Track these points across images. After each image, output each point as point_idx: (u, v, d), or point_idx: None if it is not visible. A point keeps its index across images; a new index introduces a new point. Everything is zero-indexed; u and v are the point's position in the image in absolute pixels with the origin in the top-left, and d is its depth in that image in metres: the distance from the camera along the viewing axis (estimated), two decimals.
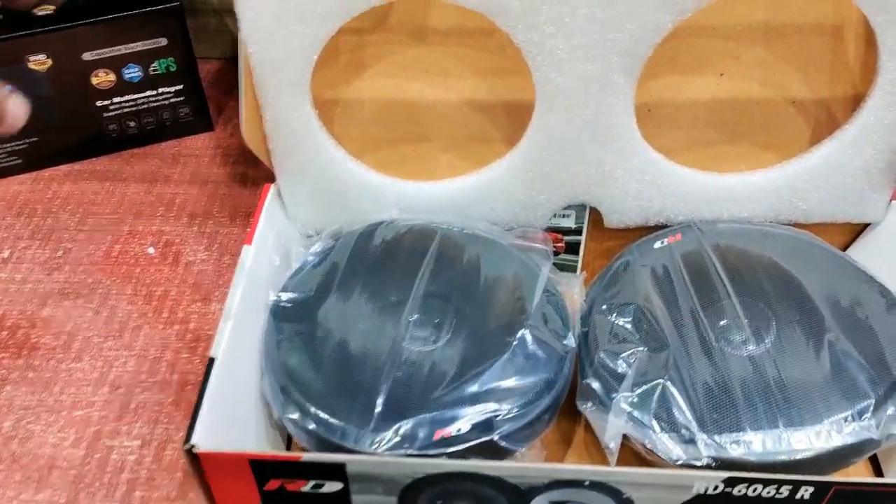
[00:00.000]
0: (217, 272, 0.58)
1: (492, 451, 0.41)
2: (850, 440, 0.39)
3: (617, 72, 0.46)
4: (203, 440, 0.39)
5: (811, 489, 0.37)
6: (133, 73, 0.64)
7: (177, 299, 0.56)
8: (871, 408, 0.40)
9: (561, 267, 0.55)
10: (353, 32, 0.50)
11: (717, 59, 0.52)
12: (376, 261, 0.49)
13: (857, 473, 0.45)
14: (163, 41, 0.63)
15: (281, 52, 0.45)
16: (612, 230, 0.53)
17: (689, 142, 0.53)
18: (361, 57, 0.52)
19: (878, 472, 0.46)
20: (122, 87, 0.64)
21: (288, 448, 0.47)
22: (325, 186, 0.51)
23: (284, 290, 0.48)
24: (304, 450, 0.43)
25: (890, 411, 0.40)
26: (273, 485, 0.40)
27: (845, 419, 0.40)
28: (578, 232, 0.54)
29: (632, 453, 0.43)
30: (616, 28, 0.44)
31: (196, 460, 0.38)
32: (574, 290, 0.48)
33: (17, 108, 0.39)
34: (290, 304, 0.47)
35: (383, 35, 0.51)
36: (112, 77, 0.63)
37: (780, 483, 0.37)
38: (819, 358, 0.42)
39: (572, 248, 0.54)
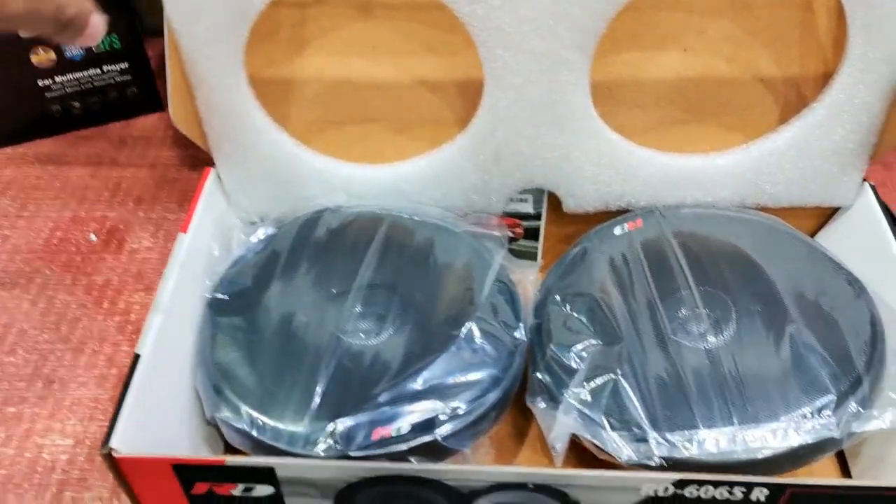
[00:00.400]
0: (162, 260, 0.55)
1: (435, 451, 0.39)
2: (808, 439, 0.37)
3: (569, 48, 0.43)
4: (125, 443, 0.36)
5: (766, 491, 0.35)
6: (74, 50, 0.61)
7: (118, 289, 0.54)
8: (833, 405, 0.38)
9: (520, 254, 0.52)
10: (294, 6, 0.47)
11: (681, 33, 0.49)
12: (320, 249, 0.46)
13: (824, 471, 0.43)
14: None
15: (208, 28, 0.42)
16: (572, 215, 0.50)
17: (652, 122, 0.50)
18: (303, 32, 0.49)
19: (845, 468, 0.44)
20: (64, 65, 0.61)
21: (227, 448, 0.44)
22: (268, 171, 0.48)
23: (222, 280, 0.45)
24: (237, 451, 0.41)
25: (852, 408, 0.38)
26: (201, 488, 0.38)
27: (804, 416, 0.38)
28: (538, 217, 0.51)
29: (585, 451, 0.40)
30: (566, 1, 0.41)
31: (116, 465, 0.36)
32: (528, 279, 0.46)
33: (101, 22, 0.39)
34: (227, 297, 0.45)
35: (327, 9, 0.48)
36: (52, 55, 0.60)
37: (733, 484, 0.35)
38: (779, 351, 0.40)
39: (532, 234, 0.52)
